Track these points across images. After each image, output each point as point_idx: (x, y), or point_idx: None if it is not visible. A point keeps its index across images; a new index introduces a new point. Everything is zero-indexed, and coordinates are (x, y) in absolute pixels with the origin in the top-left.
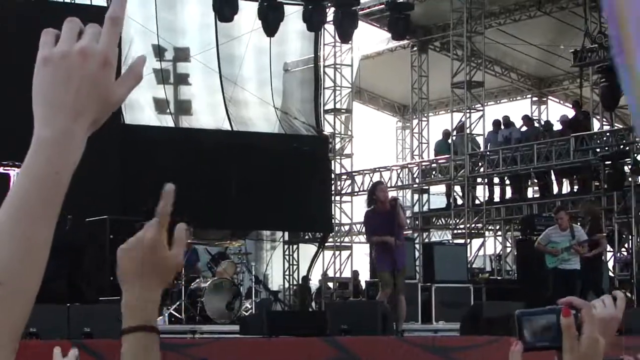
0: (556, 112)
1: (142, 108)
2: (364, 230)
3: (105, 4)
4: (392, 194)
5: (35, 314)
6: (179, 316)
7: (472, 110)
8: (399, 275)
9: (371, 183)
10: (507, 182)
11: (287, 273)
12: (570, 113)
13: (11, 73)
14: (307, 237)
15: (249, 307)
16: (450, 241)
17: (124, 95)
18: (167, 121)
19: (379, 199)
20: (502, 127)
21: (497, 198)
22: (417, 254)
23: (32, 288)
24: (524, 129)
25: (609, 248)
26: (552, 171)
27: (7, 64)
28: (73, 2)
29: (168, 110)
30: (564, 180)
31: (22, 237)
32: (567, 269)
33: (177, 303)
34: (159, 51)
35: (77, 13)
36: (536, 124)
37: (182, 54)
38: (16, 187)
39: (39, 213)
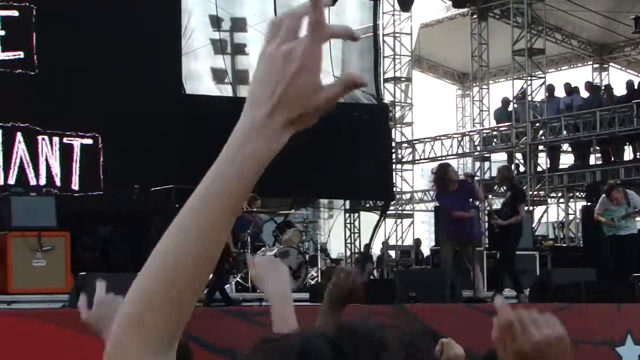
0: (618, 78)
1: (201, 78)
2: (440, 208)
3: None
4: (453, 162)
5: None
6: (246, 284)
7: (533, 78)
8: (472, 246)
9: (438, 166)
10: (569, 149)
11: (348, 241)
12: (632, 77)
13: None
14: (368, 205)
15: (315, 275)
16: None
17: (322, 104)
18: (227, 90)
19: (452, 179)
20: (565, 94)
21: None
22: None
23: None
24: (586, 95)
25: None
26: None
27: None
28: None
29: (226, 80)
30: (626, 146)
31: (204, 218)
32: (623, 235)
33: (244, 272)
34: (216, 21)
35: None
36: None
37: (239, 24)
38: (211, 168)
39: (218, 200)
